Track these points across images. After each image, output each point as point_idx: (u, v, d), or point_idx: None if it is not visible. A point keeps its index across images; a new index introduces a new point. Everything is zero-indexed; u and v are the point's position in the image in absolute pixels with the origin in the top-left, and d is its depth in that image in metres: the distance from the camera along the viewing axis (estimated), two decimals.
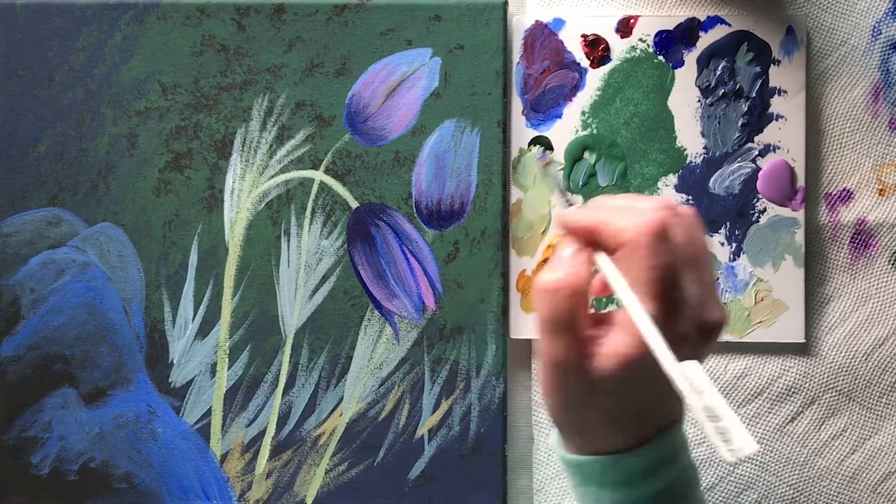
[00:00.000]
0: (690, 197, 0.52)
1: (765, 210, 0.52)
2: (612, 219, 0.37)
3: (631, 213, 0.36)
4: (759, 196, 0.52)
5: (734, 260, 0.52)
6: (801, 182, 0.52)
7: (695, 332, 0.36)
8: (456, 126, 0.52)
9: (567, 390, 0.37)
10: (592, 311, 0.38)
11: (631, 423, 0.37)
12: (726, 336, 0.52)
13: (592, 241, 0.38)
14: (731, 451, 0.33)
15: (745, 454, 0.33)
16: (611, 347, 0.36)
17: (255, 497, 0.52)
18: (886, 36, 0.53)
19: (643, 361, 0.35)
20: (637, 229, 0.36)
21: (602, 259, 0.37)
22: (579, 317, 0.36)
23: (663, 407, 0.38)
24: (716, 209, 0.52)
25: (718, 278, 0.52)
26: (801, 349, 0.53)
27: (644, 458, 0.37)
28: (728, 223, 0.52)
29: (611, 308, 0.51)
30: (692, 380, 0.34)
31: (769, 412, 0.52)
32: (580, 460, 0.38)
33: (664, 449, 0.38)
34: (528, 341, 0.53)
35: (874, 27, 0.53)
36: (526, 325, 0.52)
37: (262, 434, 0.52)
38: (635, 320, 0.35)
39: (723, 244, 0.52)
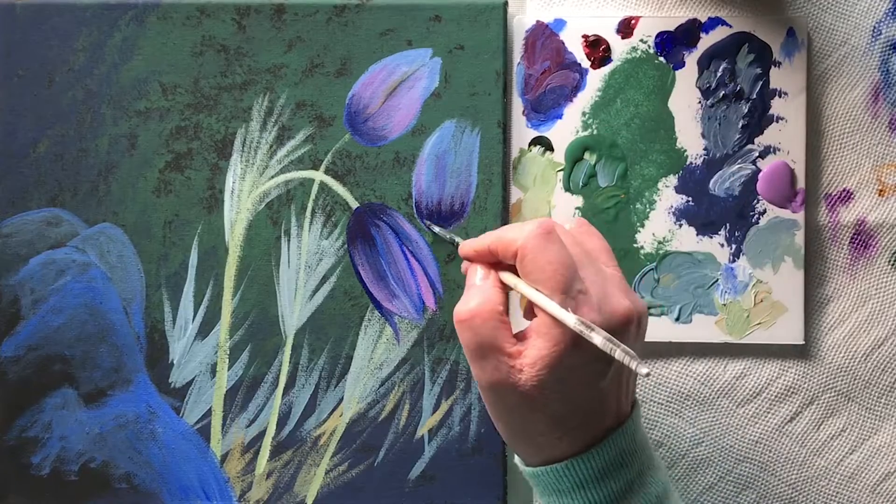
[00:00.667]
0: (690, 198, 0.52)
1: (765, 211, 0.52)
2: (503, 234, 0.40)
3: (519, 227, 0.40)
4: (759, 198, 0.52)
5: (734, 261, 0.52)
6: (801, 184, 0.52)
7: (605, 321, 0.38)
8: (456, 126, 0.52)
9: (508, 409, 0.39)
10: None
11: (578, 429, 0.38)
12: (726, 337, 0.52)
13: (494, 261, 0.41)
14: (639, 365, 0.35)
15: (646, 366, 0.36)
16: (534, 355, 0.38)
17: (256, 497, 0.52)
18: (886, 36, 0.53)
19: (565, 359, 0.37)
20: (525, 233, 0.39)
21: (504, 274, 0.40)
22: (501, 337, 0.39)
23: (608, 407, 0.39)
24: (716, 210, 0.52)
25: (717, 280, 0.52)
26: (801, 351, 0.53)
27: (596, 461, 0.38)
28: (728, 225, 0.52)
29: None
30: (586, 323, 0.36)
31: (768, 412, 0.52)
32: (535, 471, 0.40)
33: (616, 449, 0.39)
34: None
35: (874, 27, 0.53)
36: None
37: (262, 434, 0.52)
38: (536, 300, 0.38)
39: (722, 245, 0.52)
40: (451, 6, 0.52)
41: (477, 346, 0.39)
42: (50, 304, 0.52)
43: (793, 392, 0.53)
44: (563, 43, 0.53)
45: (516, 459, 0.42)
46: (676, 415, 0.52)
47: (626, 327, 0.39)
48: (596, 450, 0.38)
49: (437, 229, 0.48)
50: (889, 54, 0.53)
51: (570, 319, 0.37)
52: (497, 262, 0.41)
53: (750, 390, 0.52)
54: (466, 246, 0.42)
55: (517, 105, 0.53)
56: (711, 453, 0.52)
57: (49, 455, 0.52)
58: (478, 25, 0.52)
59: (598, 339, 0.36)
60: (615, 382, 0.39)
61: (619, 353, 0.36)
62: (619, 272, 0.41)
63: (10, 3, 0.53)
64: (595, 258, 0.40)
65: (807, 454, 0.53)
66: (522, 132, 0.53)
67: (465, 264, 0.43)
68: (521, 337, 0.39)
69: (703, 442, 0.52)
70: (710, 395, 0.52)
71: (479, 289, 0.40)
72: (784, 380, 0.53)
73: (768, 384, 0.52)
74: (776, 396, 0.52)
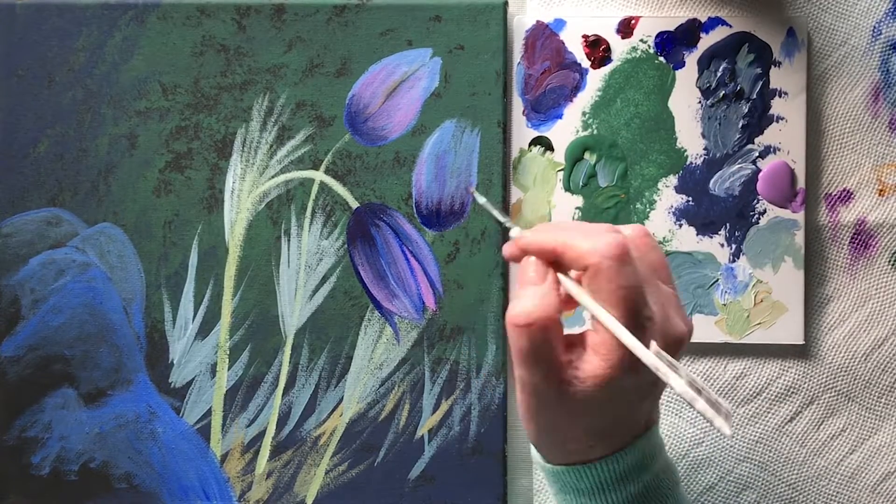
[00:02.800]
0: (690, 198, 0.52)
1: (765, 211, 0.52)
2: (574, 241, 0.37)
3: (590, 236, 0.37)
4: (760, 197, 0.52)
5: (734, 261, 0.52)
6: (801, 184, 0.52)
7: (665, 347, 0.37)
8: (456, 126, 0.52)
9: (547, 417, 0.38)
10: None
11: (611, 437, 0.38)
12: (726, 337, 0.52)
13: (553, 262, 0.38)
14: (725, 421, 0.34)
15: (731, 424, 0.35)
16: (587, 371, 0.37)
17: (256, 497, 0.52)
18: (886, 36, 0.53)
19: (619, 380, 0.36)
20: (600, 253, 0.36)
21: (570, 284, 0.38)
22: (556, 347, 0.37)
23: (637, 415, 0.39)
24: (716, 210, 0.52)
25: (718, 279, 0.52)
26: (801, 351, 0.53)
27: (619, 465, 0.38)
28: (728, 224, 0.52)
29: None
30: (672, 362, 0.35)
31: (768, 412, 0.52)
32: (556, 470, 0.39)
33: (638, 454, 0.38)
34: None
35: (874, 27, 0.53)
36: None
37: (262, 434, 0.52)
38: (611, 328, 0.36)
39: (723, 245, 0.52)
40: (451, 6, 0.52)
41: (530, 353, 0.37)
42: (50, 304, 0.52)
43: (793, 392, 0.53)
44: (563, 43, 0.53)
45: (534, 455, 0.42)
46: (676, 415, 0.52)
47: (679, 350, 0.38)
48: (621, 454, 0.38)
49: (482, 200, 0.45)
50: (889, 54, 0.53)
51: (650, 358, 0.35)
52: (555, 263, 0.39)
53: (750, 390, 0.52)
54: (528, 240, 0.39)
55: (517, 105, 0.53)
56: (711, 453, 0.52)
57: (49, 455, 0.52)
58: (478, 25, 0.52)
59: (679, 383, 0.34)
60: (654, 398, 0.39)
61: (702, 404, 0.34)
62: (674, 290, 0.39)
63: (10, 3, 0.53)
64: (656, 274, 0.39)
65: (807, 454, 0.53)
66: (522, 132, 0.53)
67: (509, 249, 0.40)
68: (571, 343, 0.38)
69: (703, 442, 0.52)
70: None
71: (538, 292, 0.38)
72: (784, 380, 0.53)
73: (768, 384, 0.52)
74: (776, 396, 0.52)
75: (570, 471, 0.39)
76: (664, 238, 0.52)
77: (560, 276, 0.39)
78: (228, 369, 0.52)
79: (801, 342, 0.52)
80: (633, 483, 0.38)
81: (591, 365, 0.37)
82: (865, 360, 0.53)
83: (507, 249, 0.41)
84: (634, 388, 0.37)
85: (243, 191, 0.53)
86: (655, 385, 0.38)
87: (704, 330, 0.52)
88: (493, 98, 0.52)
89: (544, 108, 0.53)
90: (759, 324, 0.52)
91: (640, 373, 0.36)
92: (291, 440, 0.52)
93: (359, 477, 0.52)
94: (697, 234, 0.52)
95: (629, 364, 0.36)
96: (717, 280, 0.52)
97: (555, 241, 0.38)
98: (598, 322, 0.37)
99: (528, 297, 0.37)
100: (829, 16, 0.53)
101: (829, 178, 0.53)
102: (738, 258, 0.52)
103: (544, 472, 0.41)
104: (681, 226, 0.52)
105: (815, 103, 0.53)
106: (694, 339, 0.52)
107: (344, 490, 0.52)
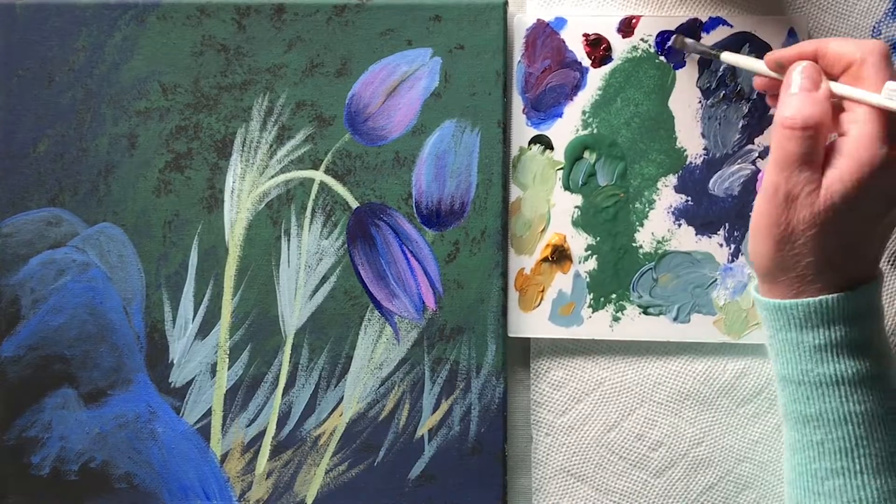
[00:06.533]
0: (690, 198, 0.52)
1: None
2: (827, 46, 0.41)
3: (850, 42, 0.41)
4: None
5: (733, 261, 0.52)
6: None
7: None
8: (456, 126, 0.52)
9: (790, 227, 0.40)
10: None
11: (837, 271, 0.40)
12: (724, 337, 0.52)
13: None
14: None
15: None
16: (836, 175, 0.39)
17: (256, 497, 0.52)
18: (886, 36, 0.53)
19: (866, 182, 0.39)
20: (864, 49, 0.40)
21: (839, 85, 0.41)
22: (820, 153, 0.40)
23: (869, 254, 0.41)
24: (715, 210, 0.52)
25: (716, 279, 0.52)
26: None
27: (848, 303, 0.40)
28: (727, 224, 0.52)
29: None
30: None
31: (768, 412, 0.52)
32: (784, 303, 0.41)
33: (864, 299, 0.40)
34: (527, 340, 0.53)
35: (874, 27, 0.53)
36: (524, 323, 0.52)
37: (262, 434, 0.52)
38: (889, 105, 0.39)
39: (721, 245, 0.52)
40: (451, 6, 0.52)
41: (796, 157, 0.40)
42: (50, 304, 0.52)
43: None
44: (564, 41, 0.53)
45: (753, 292, 0.44)
46: (676, 414, 0.52)
47: None
48: (849, 294, 0.40)
49: (689, 41, 0.49)
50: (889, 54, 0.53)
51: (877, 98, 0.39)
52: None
53: (750, 390, 0.52)
54: (781, 52, 0.43)
55: (517, 103, 0.53)
56: (711, 453, 0.52)
57: (49, 455, 0.52)
58: (478, 25, 0.52)
59: None
60: (886, 230, 0.41)
61: None
62: None
63: (10, 3, 0.53)
64: None
65: None
66: (522, 131, 0.53)
67: (772, 59, 0.44)
68: (827, 151, 0.40)
69: (703, 442, 0.52)
70: (710, 394, 0.52)
71: (815, 97, 0.40)
72: None
73: (768, 384, 0.52)
74: (776, 396, 0.52)
75: (800, 304, 0.40)
76: (663, 237, 0.52)
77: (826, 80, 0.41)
78: (228, 369, 0.52)
79: None
80: (857, 328, 0.40)
81: (842, 169, 0.39)
82: None
83: (759, 80, 0.46)
84: (875, 198, 0.39)
85: (243, 191, 0.53)
86: (893, 207, 0.40)
87: (703, 330, 0.52)
88: (493, 98, 0.52)
89: (544, 106, 0.53)
90: (758, 324, 0.52)
91: (887, 178, 0.39)
92: (291, 440, 0.52)
93: (359, 477, 0.52)
94: (696, 234, 0.52)
95: (879, 163, 0.38)
96: (715, 280, 0.52)
97: (813, 46, 0.42)
98: (865, 112, 0.39)
99: (806, 102, 0.40)
100: (829, 16, 0.53)
101: None
102: (737, 258, 0.52)
103: (767, 308, 0.42)
104: (680, 225, 0.52)
105: None
106: (692, 339, 0.52)
107: (344, 490, 0.52)
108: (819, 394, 0.41)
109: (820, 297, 0.40)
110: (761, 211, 0.41)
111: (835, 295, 0.40)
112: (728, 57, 0.49)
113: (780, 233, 0.41)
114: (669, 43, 0.51)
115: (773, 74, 0.45)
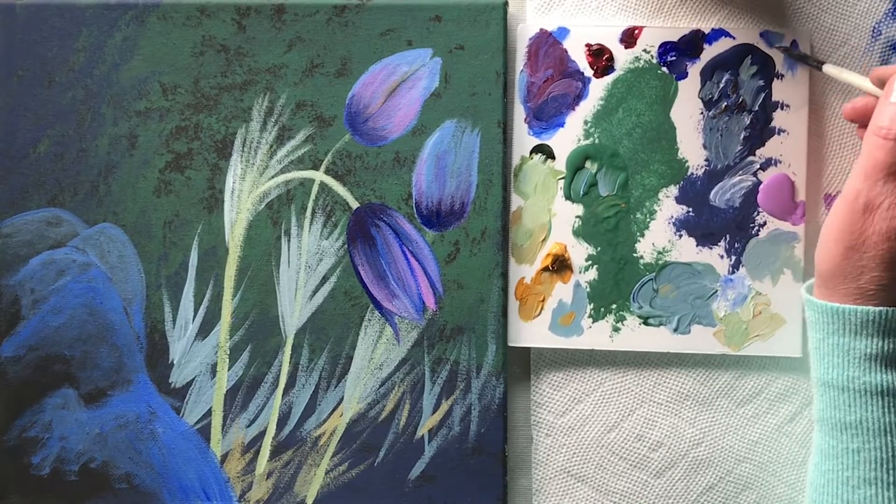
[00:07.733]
0: (691, 209, 0.52)
1: (765, 224, 0.52)
2: None
3: None
4: (760, 210, 0.52)
5: (733, 273, 0.52)
6: (801, 196, 0.52)
7: None
8: (456, 126, 0.52)
9: (863, 237, 0.40)
10: None
11: None
12: (724, 349, 0.52)
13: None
14: None
15: None
16: None
17: (256, 497, 0.52)
18: (886, 36, 0.53)
19: None
20: None
21: None
22: None
23: None
24: (716, 222, 0.52)
25: (717, 291, 0.52)
26: (798, 365, 0.52)
27: None
28: (728, 236, 0.52)
29: None
30: None
31: (768, 412, 0.52)
32: (843, 308, 0.41)
33: None
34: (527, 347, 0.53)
35: (874, 28, 0.53)
36: (524, 333, 0.52)
37: (262, 434, 0.52)
38: None
39: (722, 257, 0.52)
40: (451, 6, 0.52)
41: (884, 167, 0.40)
42: (50, 304, 0.52)
43: (792, 392, 0.53)
44: (567, 51, 0.53)
45: (805, 294, 0.44)
46: (676, 415, 0.52)
47: None
48: None
49: (795, 50, 0.49)
50: (889, 55, 0.53)
51: None
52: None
53: (750, 390, 0.52)
54: (886, 68, 0.44)
55: (519, 112, 0.53)
56: (711, 453, 0.52)
57: (49, 455, 0.52)
58: (478, 25, 0.52)
59: None
60: None
61: None
62: None
63: (10, 3, 0.53)
64: None
65: (807, 454, 0.53)
66: (524, 140, 0.53)
67: (876, 76, 0.44)
68: None
69: (703, 442, 0.52)
70: (709, 395, 0.53)
71: None
72: (783, 380, 0.53)
73: (768, 384, 0.52)
74: (776, 396, 0.53)
75: (858, 310, 0.40)
76: (664, 248, 0.52)
77: None
78: (228, 369, 0.52)
79: (799, 355, 0.52)
80: None
81: None
82: None
83: (848, 109, 0.46)
84: None
85: (243, 191, 0.53)
86: None
87: (703, 341, 0.52)
88: (494, 98, 0.52)
89: (546, 116, 0.53)
90: (758, 336, 0.52)
91: None
92: (291, 440, 0.52)
93: (359, 477, 0.52)
94: (697, 245, 0.52)
95: None
96: (716, 291, 0.52)
97: None
98: None
99: None
100: (829, 17, 0.53)
101: (828, 180, 0.53)
102: (738, 270, 0.52)
103: (823, 311, 0.42)
104: (681, 236, 0.52)
105: (816, 103, 0.53)
106: (692, 350, 0.52)
107: (344, 490, 0.52)
108: (862, 402, 0.41)
109: (880, 308, 0.40)
110: (838, 215, 0.41)
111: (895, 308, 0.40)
112: (831, 70, 0.49)
113: (852, 240, 0.41)
114: (776, 45, 0.51)
115: (876, 91, 0.45)
